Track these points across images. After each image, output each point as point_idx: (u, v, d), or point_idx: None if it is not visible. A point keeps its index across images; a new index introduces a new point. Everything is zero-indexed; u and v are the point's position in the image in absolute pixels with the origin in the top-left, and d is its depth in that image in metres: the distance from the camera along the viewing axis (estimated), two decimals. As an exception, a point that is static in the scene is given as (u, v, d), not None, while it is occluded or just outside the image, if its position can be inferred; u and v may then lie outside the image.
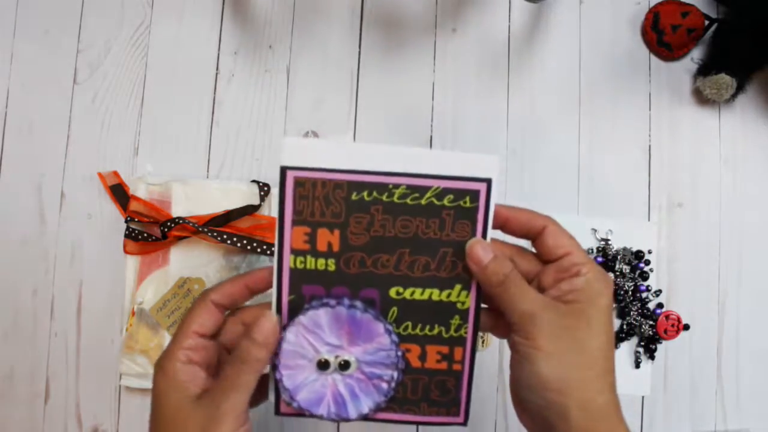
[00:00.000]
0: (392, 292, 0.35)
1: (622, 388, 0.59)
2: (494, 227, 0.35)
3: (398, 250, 0.35)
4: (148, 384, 0.56)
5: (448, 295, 0.35)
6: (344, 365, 0.35)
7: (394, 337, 0.35)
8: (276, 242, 0.34)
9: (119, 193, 0.58)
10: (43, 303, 0.58)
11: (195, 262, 0.57)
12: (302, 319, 0.35)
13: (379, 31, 0.62)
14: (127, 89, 0.60)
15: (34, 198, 0.58)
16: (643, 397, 0.60)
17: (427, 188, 0.34)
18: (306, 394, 0.35)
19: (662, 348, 0.61)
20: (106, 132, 0.59)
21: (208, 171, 0.60)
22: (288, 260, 0.34)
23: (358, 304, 0.35)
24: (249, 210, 0.57)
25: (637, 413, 0.60)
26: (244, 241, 0.55)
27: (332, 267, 0.35)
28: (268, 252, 0.56)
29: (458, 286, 0.35)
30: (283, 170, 0.33)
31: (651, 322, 0.60)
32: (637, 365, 0.60)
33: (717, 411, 0.61)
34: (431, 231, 0.34)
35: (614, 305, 0.60)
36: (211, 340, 0.35)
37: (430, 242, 0.34)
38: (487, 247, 0.34)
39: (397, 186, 0.34)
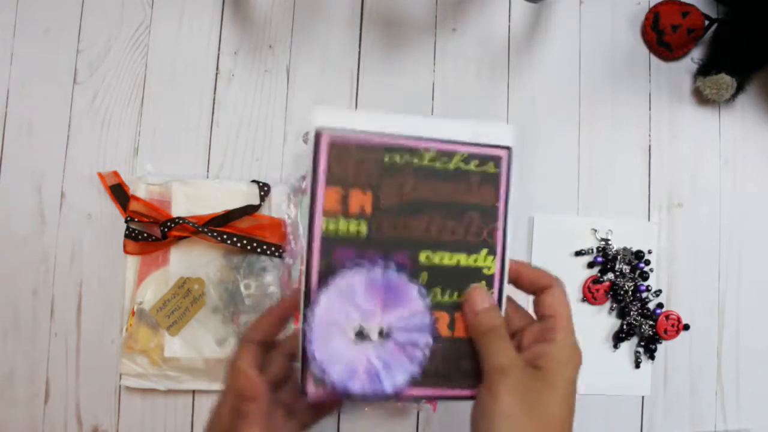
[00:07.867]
0: (422, 257, 0.35)
1: (622, 389, 0.60)
2: (508, 281, 0.36)
3: (428, 214, 0.35)
4: (148, 384, 0.56)
5: (475, 260, 0.36)
6: (385, 333, 0.34)
7: (428, 301, 0.35)
8: (308, 207, 0.34)
9: (119, 193, 0.58)
10: (43, 303, 0.58)
11: (195, 262, 0.57)
12: (337, 283, 0.33)
13: (379, 31, 0.62)
14: (127, 89, 0.60)
15: (34, 198, 0.58)
16: (643, 397, 0.60)
17: (454, 153, 0.35)
18: (339, 367, 0.33)
19: (662, 348, 0.61)
20: (106, 132, 0.59)
21: (208, 171, 0.60)
22: (320, 223, 0.34)
23: (392, 267, 0.34)
24: (249, 210, 0.57)
25: (637, 413, 0.60)
26: (244, 241, 0.55)
27: (364, 230, 0.35)
28: (268, 252, 0.56)
29: (484, 251, 0.36)
30: (318, 132, 0.33)
31: (651, 322, 0.60)
32: (637, 365, 0.60)
33: (717, 411, 0.61)
34: (459, 195, 0.36)
35: (614, 305, 0.60)
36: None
37: (458, 206, 0.36)
38: (485, 296, 0.35)
39: (428, 150, 0.35)
